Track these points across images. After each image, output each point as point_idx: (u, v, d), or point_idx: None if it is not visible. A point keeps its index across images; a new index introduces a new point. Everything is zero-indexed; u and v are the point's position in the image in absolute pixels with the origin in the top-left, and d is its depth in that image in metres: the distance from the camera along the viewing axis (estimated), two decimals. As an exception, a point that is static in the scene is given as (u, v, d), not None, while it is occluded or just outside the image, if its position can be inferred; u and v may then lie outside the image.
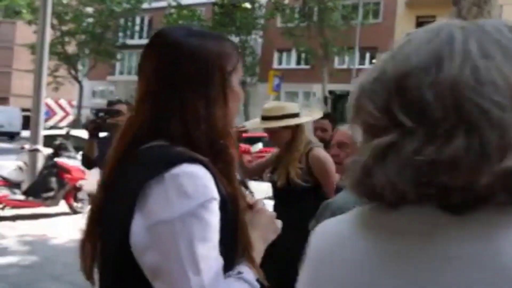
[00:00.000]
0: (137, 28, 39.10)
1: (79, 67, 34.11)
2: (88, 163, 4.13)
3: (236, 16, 27.27)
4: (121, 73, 40.03)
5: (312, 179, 3.05)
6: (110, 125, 3.77)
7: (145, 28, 39.63)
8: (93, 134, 3.80)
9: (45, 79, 9.24)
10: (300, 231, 3.00)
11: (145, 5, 33.76)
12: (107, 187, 1.08)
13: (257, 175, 3.84)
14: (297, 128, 3.15)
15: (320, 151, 3.09)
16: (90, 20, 33.07)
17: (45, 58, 8.98)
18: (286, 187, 3.06)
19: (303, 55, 29.73)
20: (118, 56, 36.70)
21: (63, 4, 29.47)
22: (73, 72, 32.86)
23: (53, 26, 30.11)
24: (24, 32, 39.81)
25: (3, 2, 28.01)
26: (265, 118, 3.18)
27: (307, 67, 29.40)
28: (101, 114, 3.73)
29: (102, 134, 4.09)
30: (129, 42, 37.49)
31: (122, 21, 35.82)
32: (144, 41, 38.56)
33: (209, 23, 28.29)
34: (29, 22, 29.57)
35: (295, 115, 3.15)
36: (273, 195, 3.27)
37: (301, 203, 3.03)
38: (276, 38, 28.90)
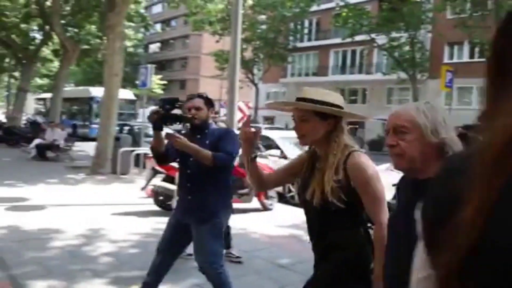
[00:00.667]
0: (305, 30, 39.55)
1: (255, 71, 35.54)
2: (157, 157, 3.71)
3: (403, 11, 25.90)
4: (292, 75, 40.86)
5: (351, 195, 2.24)
6: (176, 117, 3.39)
7: (313, 30, 39.92)
8: (156, 125, 3.36)
9: (237, 83, 9.63)
10: (335, 262, 2.37)
11: (312, 8, 33.93)
12: (498, 206, 0.70)
13: (281, 185, 2.82)
14: (336, 123, 2.34)
15: (361, 156, 2.28)
16: (264, 26, 34.23)
17: (237, 65, 9.35)
18: (323, 206, 2.27)
19: (476, 48, 27.14)
20: (289, 59, 37.49)
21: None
22: (250, 76, 34.39)
23: (232, 35, 31.90)
24: (208, 42, 42.79)
25: (192, 17, 30.28)
26: (300, 101, 2.41)
27: (482, 60, 26.85)
28: (166, 105, 3.31)
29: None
30: (299, 45, 38.10)
31: (292, 25, 36.48)
32: (313, 43, 38.94)
33: (377, 19, 27.35)
34: (213, 33, 31.56)
35: (337, 108, 2.35)
36: (307, 219, 2.48)
37: (336, 229, 2.33)
38: (446, 31, 26.87)
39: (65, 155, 16.12)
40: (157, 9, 58.30)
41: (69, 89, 31.84)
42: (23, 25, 23.91)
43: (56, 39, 22.57)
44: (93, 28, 22.90)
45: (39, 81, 43.74)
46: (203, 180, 3.60)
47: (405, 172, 1.82)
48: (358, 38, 27.59)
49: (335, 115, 2.33)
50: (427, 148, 1.67)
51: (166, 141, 3.55)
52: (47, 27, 22.02)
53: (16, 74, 29.23)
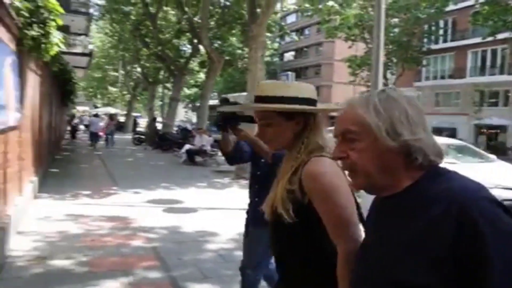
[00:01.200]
0: (440, 31, 37.04)
1: (388, 75, 34.12)
2: (226, 158, 3.54)
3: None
4: (427, 78, 38.57)
5: (307, 212, 1.66)
6: (239, 117, 3.03)
7: (449, 30, 37.24)
8: (220, 126, 3.07)
9: (380, 87, 9.13)
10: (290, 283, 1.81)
11: (448, 8, 31.62)
12: None
13: None
14: (306, 120, 1.78)
15: (318, 163, 1.67)
16: (396, 30, 32.75)
17: (380, 70, 8.87)
18: (274, 220, 1.77)
19: None
20: (424, 62, 35.42)
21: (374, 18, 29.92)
22: (383, 80, 33.10)
23: (365, 40, 30.93)
24: (340, 49, 42.19)
25: (325, 25, 29.99)
26: (258, 100, 1.82)
27: None
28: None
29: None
30: (434, 47, 35.85)
31: (426, 27, 34.40)
32: (449, 44, 36.33)
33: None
34: (346, 39, 30.93)
35: (305, 101, 1.76)
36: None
37: (292, 249, 1.76)
38: None
39: (212, 160, 16.76)
40: (292, 18, 58.95)
41: (232, 95, 32.58)
42: (175, 40, 25.62)
43: (202, 51, 23.75)
44: (234, 39, 23.69)
45: (187, 91, 46.65)
46: (272, 182, 3.31)
47: (365, 190, 1.27)
48: (499, 36, 24.97)
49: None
50: (386, 156, 1.16)
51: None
52: (195, 41, 23.26)
53: (168, 85, 31.35)
